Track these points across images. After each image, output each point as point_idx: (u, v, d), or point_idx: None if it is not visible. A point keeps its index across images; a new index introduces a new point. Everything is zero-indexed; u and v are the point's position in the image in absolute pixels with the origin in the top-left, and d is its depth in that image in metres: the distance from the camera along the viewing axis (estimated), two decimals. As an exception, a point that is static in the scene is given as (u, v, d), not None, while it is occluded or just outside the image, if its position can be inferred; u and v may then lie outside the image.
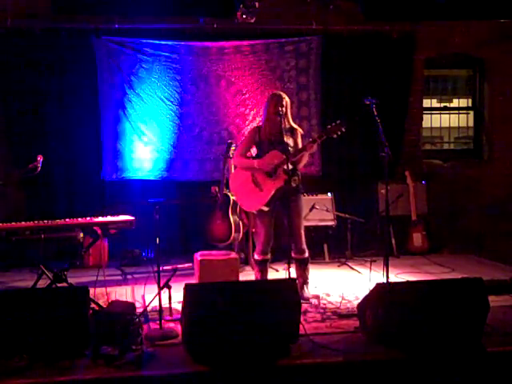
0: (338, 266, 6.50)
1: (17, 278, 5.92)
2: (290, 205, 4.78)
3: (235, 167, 5.30)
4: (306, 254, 4.99)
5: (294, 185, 4.77)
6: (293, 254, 4.89)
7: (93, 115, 6.99)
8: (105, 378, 3.34)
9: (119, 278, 5.95)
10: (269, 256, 5.08)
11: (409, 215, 7.10)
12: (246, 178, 4.98)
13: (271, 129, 4.90)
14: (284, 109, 4.84)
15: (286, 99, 4.92)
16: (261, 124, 5.08)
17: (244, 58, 7.20)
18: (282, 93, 5.02)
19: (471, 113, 8.23)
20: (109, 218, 4.78)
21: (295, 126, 5.06)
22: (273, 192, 4.84)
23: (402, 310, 3.74)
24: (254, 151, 5.18)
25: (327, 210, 6.82)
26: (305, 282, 5.00)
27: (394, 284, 4.48)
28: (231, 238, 6.13)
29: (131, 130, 7.08)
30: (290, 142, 4.86)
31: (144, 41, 7.01)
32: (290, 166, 4.71)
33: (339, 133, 4.71)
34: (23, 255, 5.90)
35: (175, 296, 4.44)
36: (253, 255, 5.25)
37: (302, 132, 5.09)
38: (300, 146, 4.95)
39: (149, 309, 4.42)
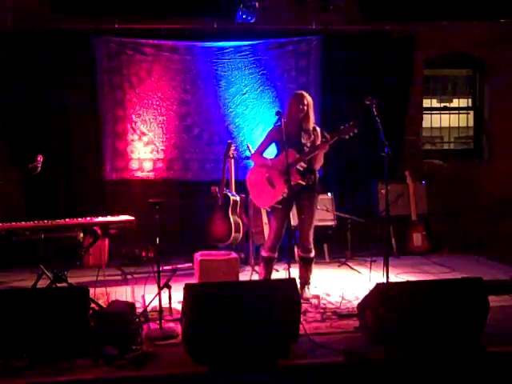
0: (338, 266, 6.50)
1: (17, 278, 5.91)
2: (303, 203, 4.81)
3: (253, 164, 5.35)
4: (312, 254, 5.01)
5: (305, 183, 4.79)
6: (299, 253, 4.94)
7: (93, 115, 6.99)
8: (105, 378, 3.34)
9: (119, 278, 5.95)
10: (276, 255, 5.07)
11: (409, 215, 7.10)
12: (262, 176, 5.02)
13: (291, 128, 4.89)
14: (306, 107, 4.85)
15: (308, 98, 4.91)
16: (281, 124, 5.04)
17: (244, 57, 7.20)
18: (303, 92, 5.00)
19: (471, 113, 8.23)
20: (109, 218, 4.78)
21: (317, 127, 5.06)
22: (285, 190, 4.84)
23: (402, 309, 3.74)
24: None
25: (327, 210, 6.81)
26: (306, 282, 5.01)
27: (394, 284, 4.49)
28: (231, 238, 6.13)
29: (131, 130, 7.08)
30: (308, 142, 4.87)
31: (144, 41, 7.01)
32: (304, 166, 4.72)
33: (351, 134, 4.70)
34: (23, 255, 5.89)
35: (175, 296, 4.44)
36: (260, 251, 5.22)
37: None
38: None
39: (149, 309, 4.42)
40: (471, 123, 8.23)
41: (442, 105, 8.42)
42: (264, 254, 5.05)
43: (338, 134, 4.75)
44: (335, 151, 7.23)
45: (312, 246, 5.00)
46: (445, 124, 8.29)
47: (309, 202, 4.89)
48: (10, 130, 6.84)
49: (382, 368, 3.56)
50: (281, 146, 4.92)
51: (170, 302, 4.45)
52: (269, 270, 5.07)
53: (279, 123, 4.70)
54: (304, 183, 4.82)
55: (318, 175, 5.00)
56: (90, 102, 6.97)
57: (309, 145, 4.87)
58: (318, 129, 5.06)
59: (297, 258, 5.56)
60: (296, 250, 5.72)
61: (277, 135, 4.97)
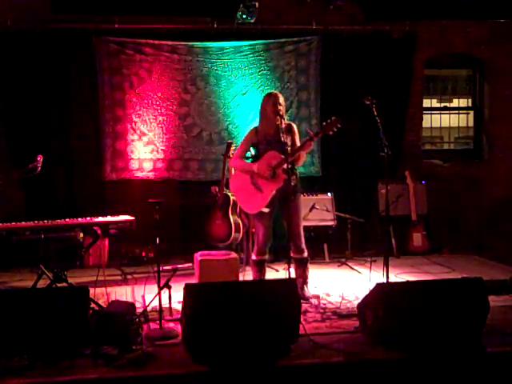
0: (338, 266, 6.50)
1: (17, 277, 5.93)
2: (289, 204, 4.78)
3: (234, 169, 5.29)
4: (306, 254, 4.98)
5: (292, 184, 4.76)
6: (292, 254, 4.87)
7: (93, 115, 7.00)
8: (105, 378, 3.34)
9: (119, 278, 5.95)
10: (266, 256, 5.09)
11: (409, 215, 7.10)
12: (246, 180, 4.98)
13: (269, 129, 4.91)
14: (282, 107, 4.86)
15: (282, 98, 4.95)
16: (257, 125, 5.07)
17: (244, 57, 7.21)
18: (277, 92, 5.08)
19: (471, 113, 8.24)
20: (109, 218, 4.78)
21: (292, 123, 5.08)
22: (273, 193, 4.85)
23: (402, 310, 3.74)
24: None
25: (327, 210, 6.81)
26: (305, 281, 4.99)
27: (394, 284, 4.49)
28: (231, 238, 6.13)
29: (131, 130, 7.08)
30: (288, 140, 4.85)
31: (144, 41, 7.02)
32: (289, 165, 4.71)
33: (335, 129, 4.68)
34: (23, 255, 5.89)
35: (175, 296, 4.44)
36: (250, 256, 5.25)
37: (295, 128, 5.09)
38: (298, 143, 4.97)
39: (149, 309, 4.42)
40: (471, 123, 8.24)
41: (442, 105, 8.43)
42: (255, 257, 5.05)
43: (322, 131, 4.75)
44: (335, 151, 7.31)
45: (304, 245, 4.96)
46: (445, 124, 8.29)
47: (294, 202, 4.87)
48: (10, 129, 6.84)
49: (381, 368, 3.56)
50: (261, 149, 4.94)
51: (169, 302, 4.45)
52: (262, 272, 5.07)
53: (255, 126, 4.86)
54: (293, 184, 4.79)
55: (298, 174, 5.00)
56: (90, 102, 6.98)
57: (290, 143, 4.86)
58: (294, 125, 5.07)
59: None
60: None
61: (254, 138, 5.00)
